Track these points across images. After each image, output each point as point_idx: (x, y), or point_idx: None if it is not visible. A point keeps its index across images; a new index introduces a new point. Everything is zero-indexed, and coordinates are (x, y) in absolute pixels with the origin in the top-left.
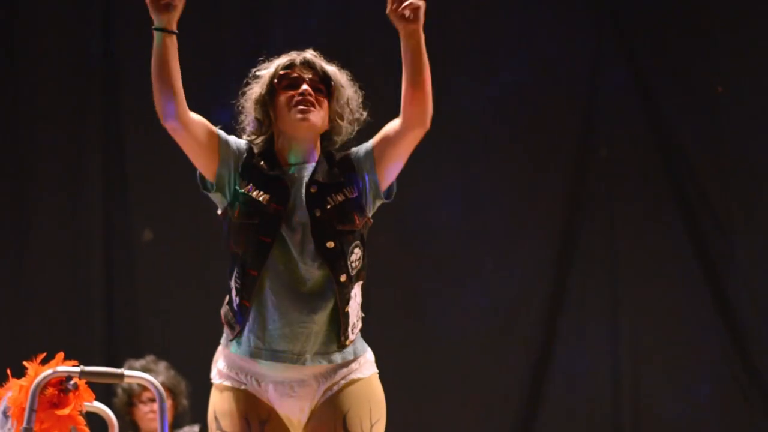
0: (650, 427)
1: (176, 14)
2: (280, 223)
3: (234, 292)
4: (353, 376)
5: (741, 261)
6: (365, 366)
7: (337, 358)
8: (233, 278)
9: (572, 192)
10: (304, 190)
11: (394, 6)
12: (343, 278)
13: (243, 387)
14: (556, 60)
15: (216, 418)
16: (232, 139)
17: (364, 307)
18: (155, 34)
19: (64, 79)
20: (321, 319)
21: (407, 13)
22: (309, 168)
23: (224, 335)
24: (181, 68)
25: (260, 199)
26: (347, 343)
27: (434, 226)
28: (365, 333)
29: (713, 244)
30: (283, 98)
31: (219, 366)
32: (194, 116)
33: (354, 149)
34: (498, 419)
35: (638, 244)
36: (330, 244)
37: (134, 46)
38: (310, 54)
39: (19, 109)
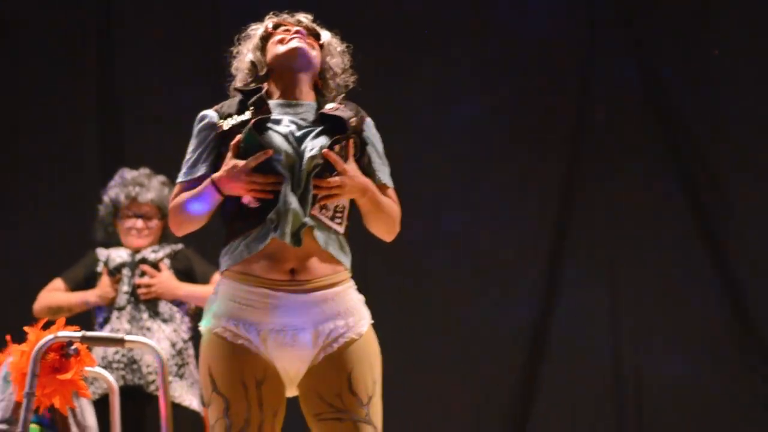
0: (651, 383)
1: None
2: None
3: (248, 208)
4: (352, 334)
5: (739, 221)
6: (361, 321)
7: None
8: (242, 204)
9: (570, 153)
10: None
11: (322, 196)
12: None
13: (240, 342)
14: (551, 22)
15: (211, 378)
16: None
17: (362, 269)
18: (214, 190)
19: (60, 47)
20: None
21: (335, 193)
22: (307, 104)
23: (227, 258)
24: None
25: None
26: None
27: (431, 185)
28: (363, 295)
29: (710, 202)
30: (277, 38)
31: (213, 312)
32: None
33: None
34: (498, 378)
35: (636, 204)
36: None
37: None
38: (301, 15)
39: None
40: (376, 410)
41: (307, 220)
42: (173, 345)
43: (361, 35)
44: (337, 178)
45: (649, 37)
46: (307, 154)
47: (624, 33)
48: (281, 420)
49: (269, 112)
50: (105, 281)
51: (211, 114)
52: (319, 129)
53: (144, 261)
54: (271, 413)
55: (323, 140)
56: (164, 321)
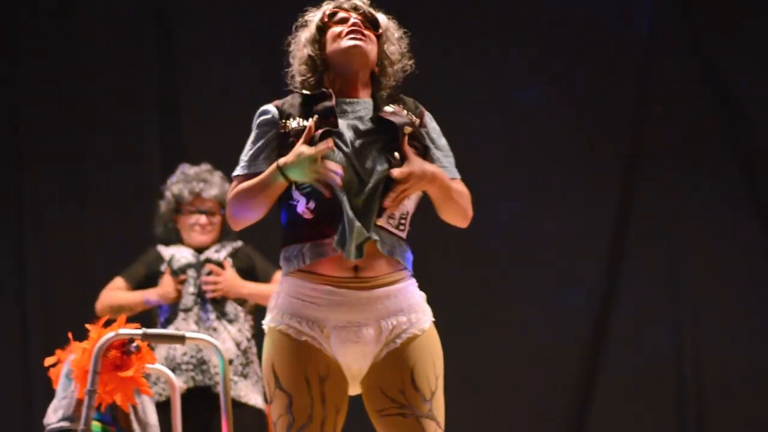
0: (711, 365)
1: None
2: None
3: (302, 218)
4: (415, 330)
5: None
6: (423, 318)
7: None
8: (298, 213)
9: (629, 148)
10: (379, 111)
11: (391, 199)
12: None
13: (303, 338)
14: (612, 15)
15: (275, 374)
16: (264, 135)
17: (423, 265)
18: (279, 175)
19: (120, 41)
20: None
21: (404, 197)
22: (364, 102)
23: (287, 261)
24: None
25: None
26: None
27: (491, 182)
28: (425, 289)
29: None
30: (333, 32)
31: (277, 310)
32: None
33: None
34: (560, 371)
35: (695, 195)
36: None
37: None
38: (358, 0)
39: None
40: (438, 405)
41: (372, 234)
42: (238, 345)
43: (420, 15)
44: (400, 187)
45: (707, 27)
46: (374, 177)
47: (682, 23)
48: (343, 417)
49: (337, 125)
50: (167, 281)
51: (273, 110)
52: (379, 144)
53: (208, 261)
54: (333, 410)
55: (383, 160)
56: (229, 321)
